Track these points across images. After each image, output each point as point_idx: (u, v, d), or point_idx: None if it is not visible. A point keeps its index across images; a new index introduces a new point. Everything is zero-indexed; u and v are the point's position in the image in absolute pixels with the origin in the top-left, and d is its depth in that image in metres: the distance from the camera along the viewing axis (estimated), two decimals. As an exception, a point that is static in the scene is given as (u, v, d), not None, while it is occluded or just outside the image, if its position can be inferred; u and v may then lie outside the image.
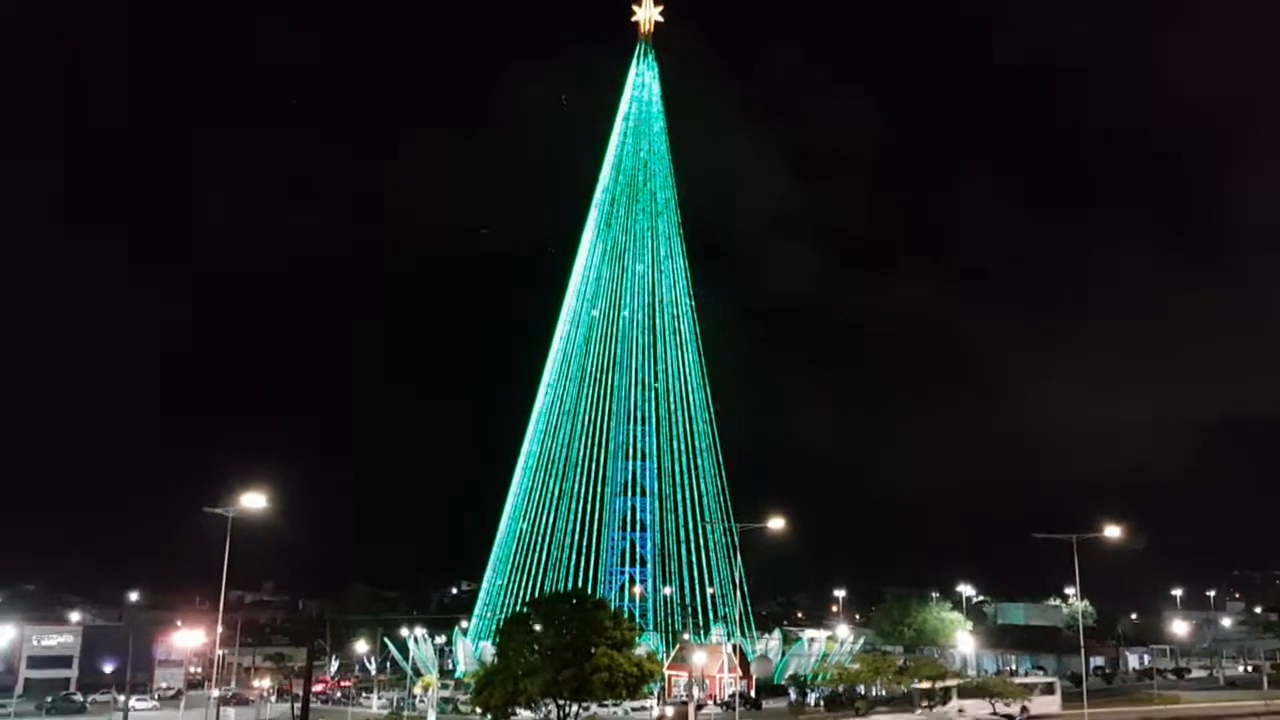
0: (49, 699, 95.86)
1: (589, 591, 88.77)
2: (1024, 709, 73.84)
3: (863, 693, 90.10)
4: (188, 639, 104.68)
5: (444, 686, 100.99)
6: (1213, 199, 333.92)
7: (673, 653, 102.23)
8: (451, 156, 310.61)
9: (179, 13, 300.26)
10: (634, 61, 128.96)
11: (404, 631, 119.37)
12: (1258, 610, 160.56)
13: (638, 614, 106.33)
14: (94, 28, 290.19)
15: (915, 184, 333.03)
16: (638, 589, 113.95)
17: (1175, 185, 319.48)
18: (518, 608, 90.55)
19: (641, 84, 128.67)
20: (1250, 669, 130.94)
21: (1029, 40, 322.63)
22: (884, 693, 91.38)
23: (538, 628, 60.14)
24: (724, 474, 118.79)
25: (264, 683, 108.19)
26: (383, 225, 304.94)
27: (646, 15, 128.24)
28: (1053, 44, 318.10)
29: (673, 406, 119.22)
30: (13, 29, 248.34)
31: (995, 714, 72.30)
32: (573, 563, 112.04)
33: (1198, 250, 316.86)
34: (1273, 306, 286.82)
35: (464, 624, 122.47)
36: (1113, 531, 75.42)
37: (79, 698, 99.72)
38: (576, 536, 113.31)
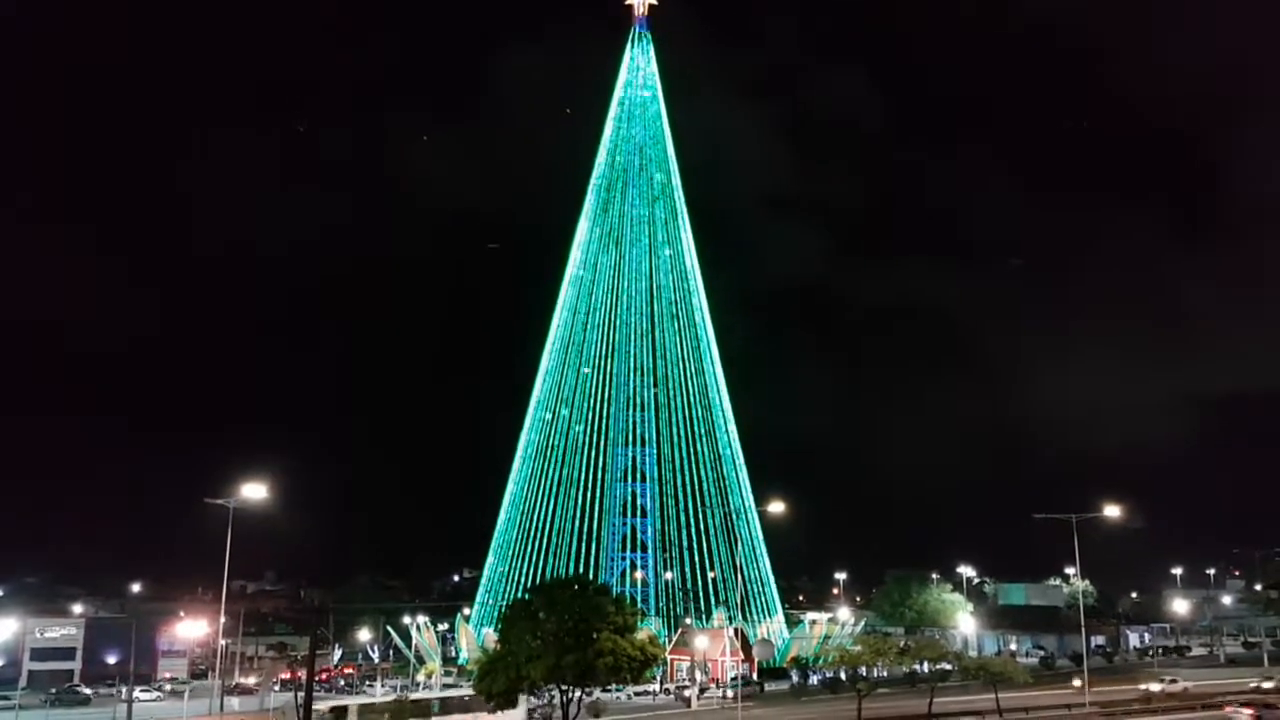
0: (53, 691, 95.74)
1: (591, 577, 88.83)
2: None
3: (864, 674, 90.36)
4: (191, 629, 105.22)
5: (447, 674, 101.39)
6: (1214, 177, 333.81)
7: (675, 637, 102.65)
8: (449, 147, 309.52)
9: (176, 8, 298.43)
10: (628, 45, 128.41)
11: (406, 619, 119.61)
12: (1258, 588, 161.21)
13: (639, 599, 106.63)
14: (94, 26, 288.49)
15: (914, 167, 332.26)
16: (639, 574, 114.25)
17: (1176, 164, 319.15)
18: (520, 594, 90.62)
19: (636, 68, 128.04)
20: (1244, 645, 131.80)
21: (1030, 21, 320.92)
22: (885, 674, 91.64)
23: (540, 614, 60.08)
24: (739, 457, 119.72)
25: (249, 680, 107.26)
26: (380, 218, 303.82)
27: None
28: (1054, 24, 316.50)
29: (672, 391, 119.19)
30: (12, 29, 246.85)
31: None
32: (574, 549, 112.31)
33: (1198, 229, 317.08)
34: (1273, 285, 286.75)
35: (466, 611, 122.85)
36: (1112, 511, 75.93)
37: (83, 689, 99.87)
38: (577, 523, 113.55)
